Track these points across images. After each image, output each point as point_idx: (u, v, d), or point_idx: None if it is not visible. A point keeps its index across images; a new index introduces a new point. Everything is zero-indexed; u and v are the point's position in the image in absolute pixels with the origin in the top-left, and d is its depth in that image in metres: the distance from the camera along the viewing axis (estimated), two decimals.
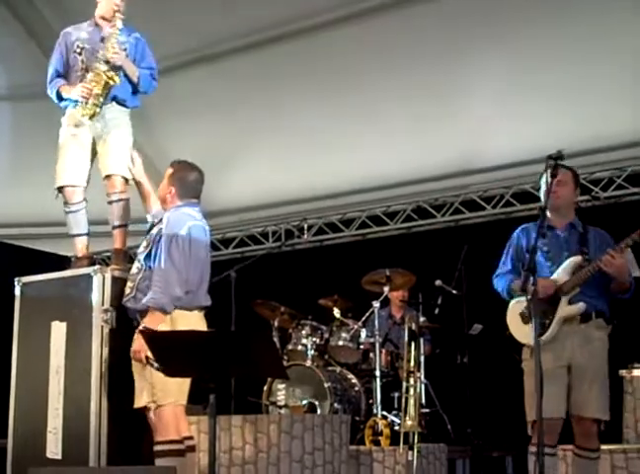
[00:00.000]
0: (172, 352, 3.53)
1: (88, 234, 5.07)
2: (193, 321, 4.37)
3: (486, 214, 7.88)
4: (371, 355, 6.43)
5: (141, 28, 5.05)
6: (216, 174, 6.86)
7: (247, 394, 6.34)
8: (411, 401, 5.63)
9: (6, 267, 6.91)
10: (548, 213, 4.33)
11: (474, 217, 7.91)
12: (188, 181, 4.62)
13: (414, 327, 6.05)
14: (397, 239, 8.33)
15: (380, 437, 5.78)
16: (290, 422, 5.04)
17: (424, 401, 6.39)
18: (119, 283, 4.67)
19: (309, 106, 7.21)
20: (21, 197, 8.08)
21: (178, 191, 4.59)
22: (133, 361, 4.38)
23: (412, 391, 5.67)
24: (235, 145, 7.78)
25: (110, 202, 4.96)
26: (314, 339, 6.56)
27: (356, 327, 6.56)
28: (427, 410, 6.47)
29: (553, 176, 4.13)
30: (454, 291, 6.66)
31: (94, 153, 5.01)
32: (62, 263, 6.32)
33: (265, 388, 6.30)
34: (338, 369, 6.57)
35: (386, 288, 6.56)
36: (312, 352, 6.47)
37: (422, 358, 6.35)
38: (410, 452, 5.36)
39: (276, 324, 6.79)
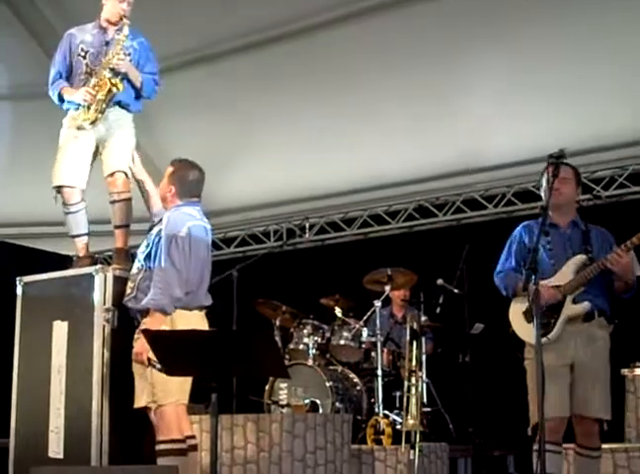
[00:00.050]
0: (174, 351, 3.54)
1: (88, 234, 5.08)
2: (193, 320, 4.35)
3: (488, 213, 7.86)
4: (373, 354, 6.43)
5: (141, 27, 5.05)
6: (217, 173, 6.87)
7: (249, 393, 6.35)
8: (413, 400, 5.62)
9: (7, 266, 6.92)
10: (550, 212, 4.32)
11: (476, 216, 7.90)
12: (188, 180, 4.60)
13: (415, 326, 6.04)
14: (399, 238, 8.32)
15: (382, 437, 5.78)
16: (292, 421, 5.04)
17: (425, 400, 6.39)
18: (120, 283, 4.67)
19: (310, 105, 7.21)
20: (22, 197, 8.08)
21: (178, 190, 4.57)
22: (134, 362, 4.38)
23: (413, 390, 5.67)
24: (236, 145, 7.78)
25: (112, 202, 4.97)
26: (316, 338, 6.56)
27: (357, 326, 6.56)
28: (428, 409, 6.47)
29: (555, 175, 4.13)
30: (456, 290, 6.65)
31: (94, 157, 5.02)
32: (64, 262, 6.35)
33: (266, 387, 6.30)
34: (339, 368, 6.57)
35: (388, 288, 6.56)
36: (314, 351, 6.48)
37: (423, 358, 6.34)
38: (412, 451, 5.36)
39: (277, 323, 6.81)
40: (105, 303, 4.68)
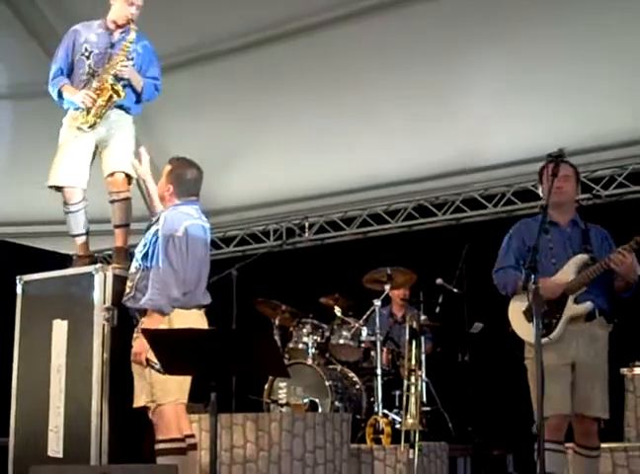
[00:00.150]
0: (173, 350, 3.54)
1: (88, 233, 5.08)
2: (190, 319, 4.34)
3: (487, 213, 7.86)
4: (372, 353, 6.43)
5: (141, 27, 5.04)
6: (217, 172, 6.88)
7: (248, 392, 6.35)
8: (412, 399, 5.63)
9: (7, 265, 6.91)
10: (550, 210, 4.30)
11: (475, 216, 7.90)
12: (186, 178, 4.57)
13: (415, 325, 6.04)
14: (398, 237, 8.32)
15: (381, 436, 5.79)
16: (292, 420, 5.04)
17: (425, 399, 6.39)
18: (120, 282, 4.67)
19: (309, 105, 7.21)
20: (21, 196, 8.08)
21: (176, 188, 4.54)
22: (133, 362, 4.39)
23: (413, 389, 5.67)
24: (236, 144, 7.79)
25: (112, 202, 4.96)
26: (315, 337, 6.56)
27: (357, 325, 6.56)
28: (428, 408, 6.47)
29: (554, 174, 4.12)
30: (455, 290, 6.66)
31: (94, 156, 5.01)
32: (63, 261, 6.36)
33: (266, 386, 6.30)
34: (339, 368, 6.57)
35: (387, 287, 6.56)
36: (313, 350, 6.48)
37: (423, 357, 6.35)
38: (411, 451, 5.36)
39: (277, 322, 6.81)
40: (104, 302, 4.68)
